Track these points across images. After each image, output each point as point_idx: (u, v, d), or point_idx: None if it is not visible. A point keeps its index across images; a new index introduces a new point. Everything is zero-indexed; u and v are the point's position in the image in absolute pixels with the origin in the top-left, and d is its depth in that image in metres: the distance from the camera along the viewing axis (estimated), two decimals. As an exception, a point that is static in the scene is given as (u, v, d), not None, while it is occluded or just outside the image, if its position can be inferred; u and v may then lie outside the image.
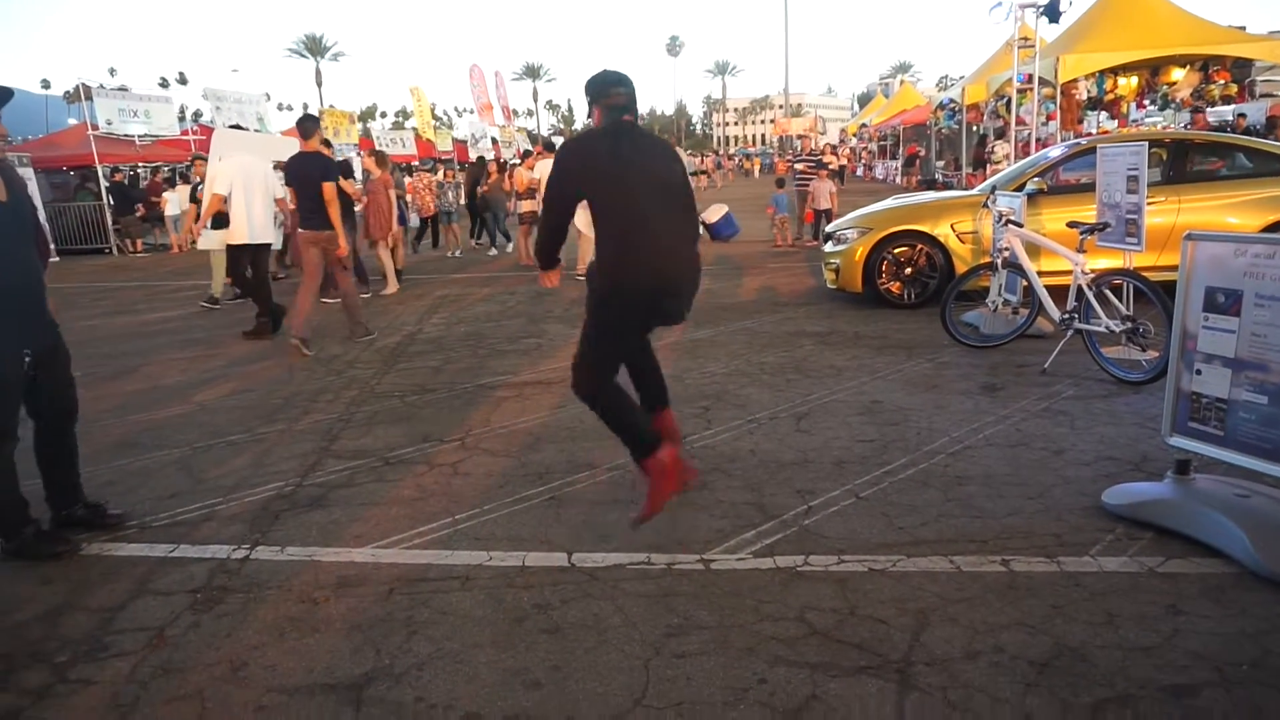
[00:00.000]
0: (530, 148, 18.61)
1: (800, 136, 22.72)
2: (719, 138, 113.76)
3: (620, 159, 3.32)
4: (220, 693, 2.52)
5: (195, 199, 10.05)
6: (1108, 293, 5.47)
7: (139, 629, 2.90)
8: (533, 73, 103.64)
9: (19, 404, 3.47)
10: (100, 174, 18.44)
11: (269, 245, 8.65)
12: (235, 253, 8.33)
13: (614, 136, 3.39)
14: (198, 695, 2.51)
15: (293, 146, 10.18)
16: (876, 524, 3.45)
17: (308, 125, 7.65)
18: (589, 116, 3.57)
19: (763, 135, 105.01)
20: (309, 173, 7.26)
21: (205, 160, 10.24)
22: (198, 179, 11.04)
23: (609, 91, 3.47)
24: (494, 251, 14.94)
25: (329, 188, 7.25)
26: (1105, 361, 5.40)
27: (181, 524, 3.80)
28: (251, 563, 3.37)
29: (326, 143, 10.95)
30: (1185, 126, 13.99)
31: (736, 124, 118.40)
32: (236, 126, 11.35)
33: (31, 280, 3.52)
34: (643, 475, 3.48)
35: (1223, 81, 15.18)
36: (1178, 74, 15.41)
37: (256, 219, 8.33)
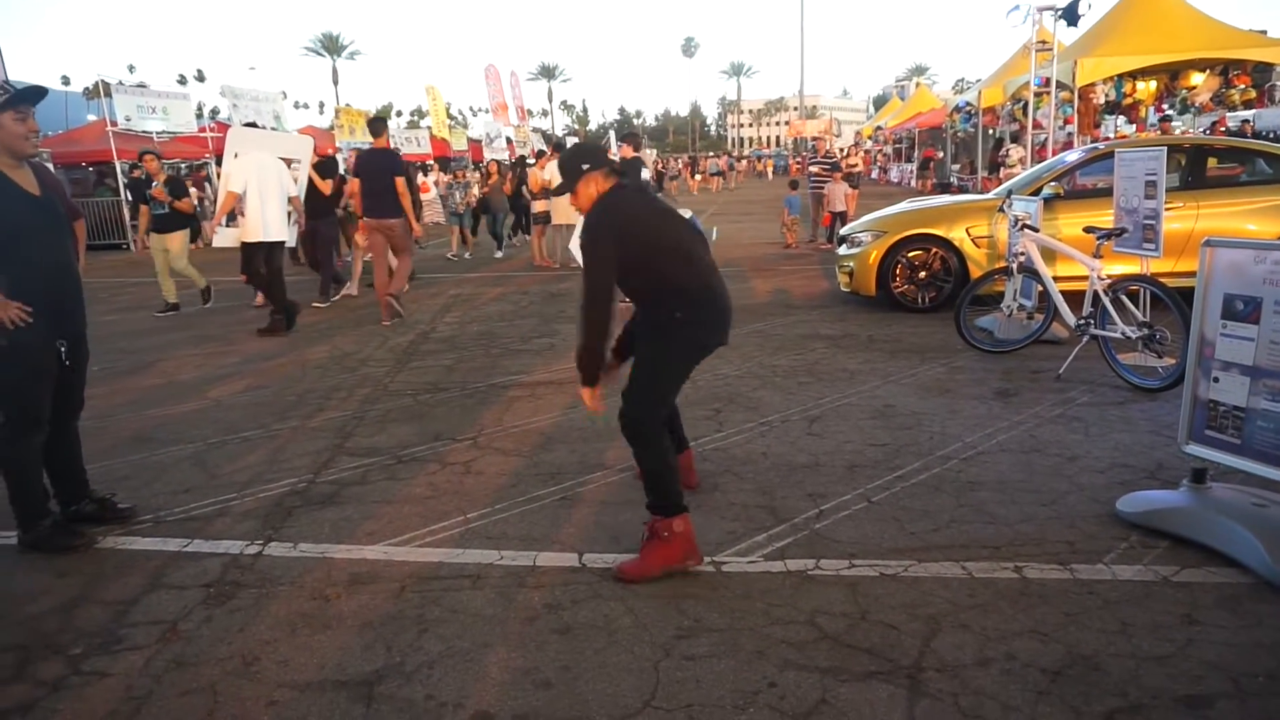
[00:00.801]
0: (545, 148, 18.55)
1: (815, 139, 22.62)
2: (733, 139, 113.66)
3: (651, 205, 3.31)
4: (232, 687, 2.54)
5: (145, 200, 9.59)
6: (1124, 299, 5.43)
7: (153, 622, 2.93)
8: (548, 73, 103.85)
9: (50, 393, 3.51)
10: (119, 170, 18.61)
11: (283, 242, 8.68)
12: (250, 250, 8.36)
13: (633, 188, 3.34)
14: (210, 689, 2.53)
15: (306, 144, 10.34)
16: (888, 528, 3.43)
17: (377, 125, 8.77)
18: (570, 190, 3.32)
19: (777, 137, 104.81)
20: (380, 167, 8.22)
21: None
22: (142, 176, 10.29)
23: (602, 158, 3.33)
24: (499, 254, 14.78)
25: (400, 181, 8.17)
26: (1121, 368, 5.36)
27: (196, 519, 3.82)
28: (264, 558, 3.40)
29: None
30: (1205, 131, 13.89)
31: (751, 125, 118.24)
32: (251, 124, 11.29)
33: (67, 272, 3.56)
34: (648, 532, 3.16)
35: (1243, 86, 15.03)
36: (1197, 78, 15.27)
37: (271, 216, 8.37)
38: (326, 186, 9.92)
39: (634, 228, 3.17)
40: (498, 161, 15.53)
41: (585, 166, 3.29)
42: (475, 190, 15.28)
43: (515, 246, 15.68)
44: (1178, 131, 14.60)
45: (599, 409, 3.25)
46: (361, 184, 8.37)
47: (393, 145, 9.86)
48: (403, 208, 8.24)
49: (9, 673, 2.66)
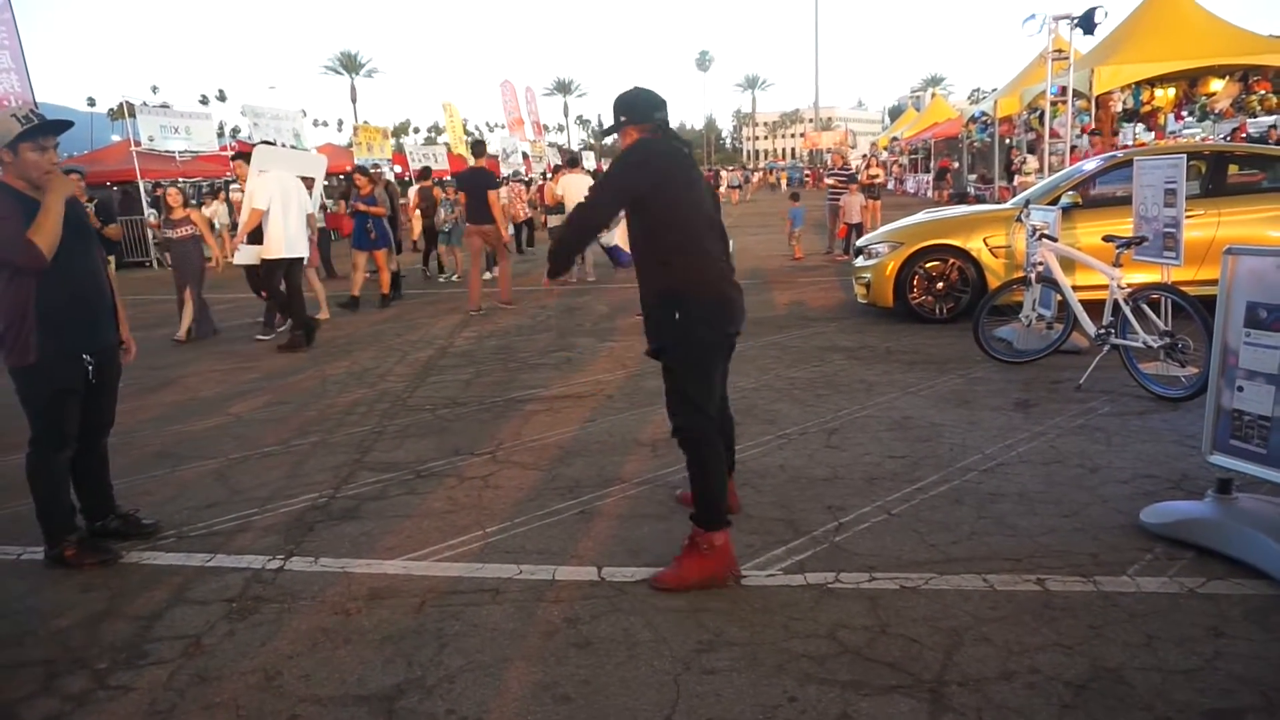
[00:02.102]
0: (560, 163, 18.57)
1: (830, 150, 22.62)
2: (748, 152, 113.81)
3: (692, 178, 3.17)
4: (255, 701, 2.56)
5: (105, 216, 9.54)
6: (1145, 308, 5.39)
7: (176, 637, 2.95)
8: (563, 88, 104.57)
9: (77, 410, 3.55)
10: (142, 189, 18.89)
11: (303, 259, 8.79)
12: (271, 267, 8.46)
13: (681, 152, 3.21)
14: (233, 704, 2.55)
15: (321, 163, 10.56)
16: (908, 541, 3.41)
17: (479, 148, 11.07)
18: (614, 136, 3.31)
19: (792, 149, 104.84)
20: (479, 183, 10.11)
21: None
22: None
23: (651, 116, 3.18)
24: (487, 275, 12.82)
25: (493, 194, 10.03)
26: (1143, 378, 5.31)
27: (218, 534, 3.86)
28: (286, 573, 3.42)
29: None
30: (1225, 138, 13.77)
31: (766, 138, 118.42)
32: (267, 143, 11.23)
33: (95, 289, 3.59)
34: (688, 544, 3.13)
35: (1263, 92, 14.91)
36: (1216, 85, 15.17)
37: (293, 233, 8.48)
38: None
39: (667, 183, 3.06)
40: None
41: (623, 119, 3.18)
42: (445, 213, 13.85)
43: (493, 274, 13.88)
44: (1197, 139, 14.48)
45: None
46: (466, 196, 10.31)
47: (489, 163, 11.07)
48: (495, 216, 10.05)
49: (36, 686, 2.69)
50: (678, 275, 3.09)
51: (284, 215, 8.39)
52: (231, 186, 15.97)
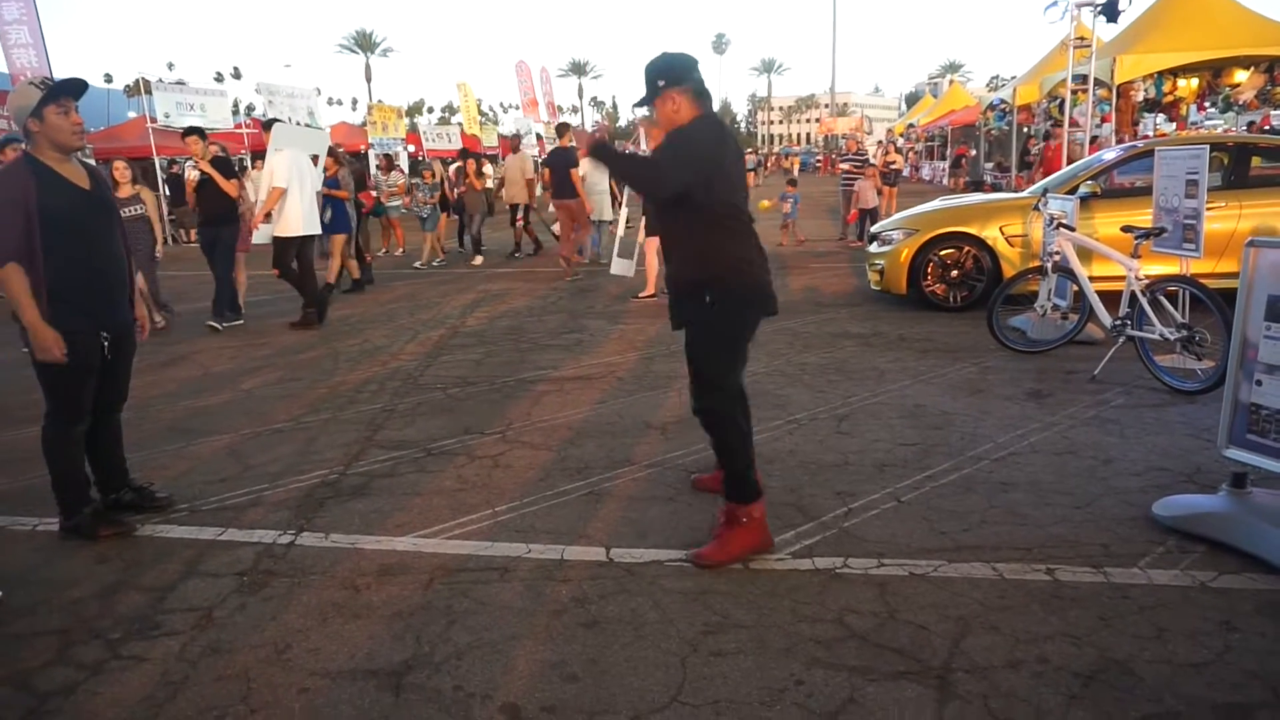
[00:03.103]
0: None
1: (845, 136, 22.44)
2: (763, 136, 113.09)
3: (738, 157, 3.14)
4: (265, 674, 2.58)
5: None
6: (1162, 299, 5.33)
7: (188, 609, 2.98)
8: (578, 69, 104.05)
9: (93, 385, 3.57)
10: (158, 166, 18.93)
11: (314, 236, 8.78)
12: (284, 244, 8.43)
13: (730, 131, 3.15)
14: (243, 675, 2.58)
15: (325, 139, 10.44)
16: (918, 528, 3.40)
17: (562, 128, 11.81)
18: (647, 105, 3.08)
19: (808, 134, 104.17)
20: (562, 160, 11.12)
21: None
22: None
23: (691, 76, 3.05)
24: (479, 260, 13.27)
25: (574, 172, 10.97)
26: (1158, 370, 5.27)
27: (230, 508, 3.89)
28: (296, 548, 3.44)
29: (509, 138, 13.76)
30: (1245, 130, 13.59)
31: (781, 123, 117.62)
32: (274, 120, 10.57)
33: (115, 265, 3.61)
34: (723, 518, 3.20)
35: (1289, 83, 14.67)
36: (1241, 76, 14.93)
37: (307, 210, 8.49)
38: (232, 187, 8.57)
39: (730, 164, 3.01)
40: (475, 158, 13.87)
41: (662, 84, 3.02)
42: (422, 196, 13.51)
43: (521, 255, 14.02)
44: (1220, 130, 14.31)
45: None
46: (551, 173, 11.46)
47: (571, 144, 11.26)
48: (577, 190, 11.11)
49: (51, 655, 2.73)
50: (722, 257, 3.06)
51: (300, 193, 8.40)
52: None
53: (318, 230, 8.82)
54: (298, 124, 18.33)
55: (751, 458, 3.19)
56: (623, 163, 3.20)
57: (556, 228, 11.54)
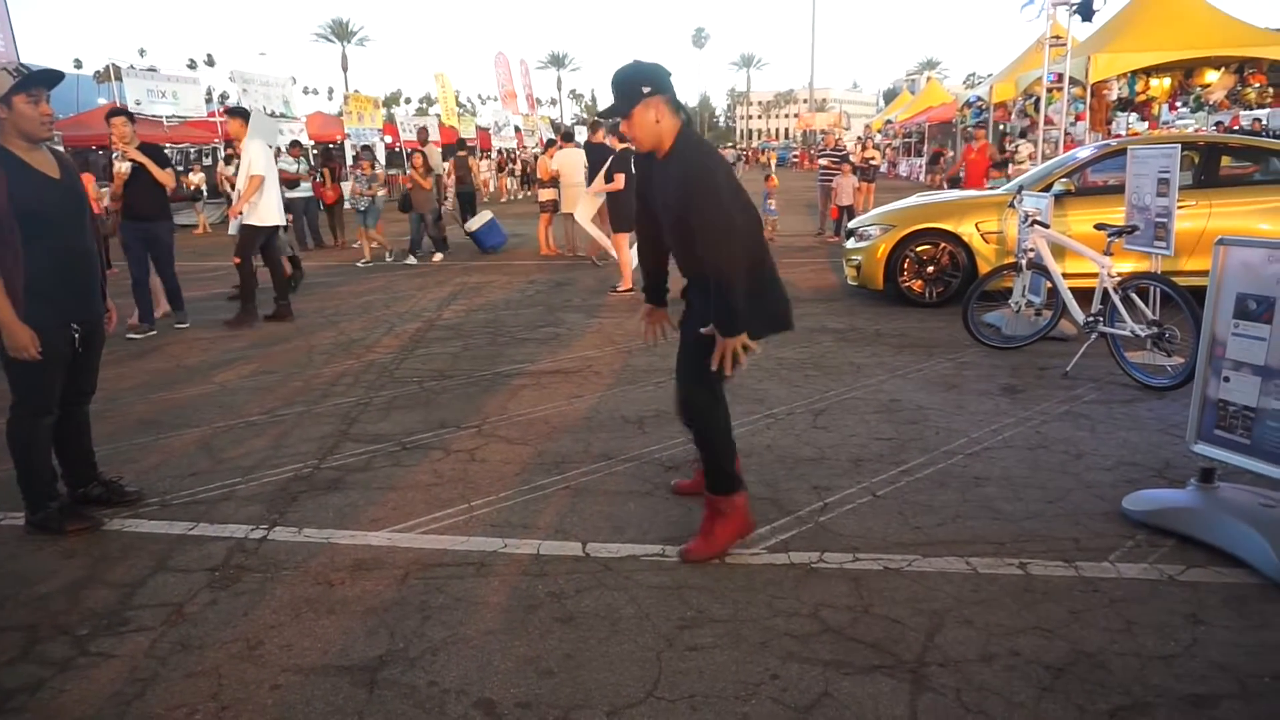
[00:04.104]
0: (553, 136, 18.47)
1: (824, 132, 22.51)
2: (742, 131, 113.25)
3: (727, 165, 3.12)
4: (236, 670, 2.55)
5: None
6: (1134, 296, 5.40)
7: (158, 605, 2.94)
8: (557, 61, 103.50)
9: (61, 378, 3.50)
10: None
11: (279, 227, 8.50)
12: (253, 234, 8.11)
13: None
14: (214, 672, 2.54)
15: (274, 128, 10.08)
16: (892, 523, 3.43)
17: (596, 125, 11.39)
18: (623, 114, 2.97)
19: (786, 129, 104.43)
20: (599, 157, 10.51)
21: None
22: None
23: (671, 86, 2.98)
24: (411, 260, 12.55)
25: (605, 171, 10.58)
26: (1129, 366, 5.34)
27: (201, 502, 3.84)
28: (269, 543, 3.41)
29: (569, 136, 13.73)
30: (1212, 129, 13.80)
31: (760, 118, 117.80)
32: (236, 109, 9.42)
33: (86, 256, 3.54)
34: (709, 513, 3.18)
35: (1259, 85, 14.92)
36: (1212, 76, 15.16)
37: (277, 201, 8.33)
38: (168, 177, 7.63)
39: (729, 173, 2.95)
40: (422, 152, 13.20)
41: (646, 90, 2.91)
42: (362, 188, 12.92)
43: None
44: (1190, 130, 14.51)
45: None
46: (589, 168, 11.33)
47: (605, 140, 11.29)
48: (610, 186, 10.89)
49: (17, 652, 2.68)
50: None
51: (272, 183, 8.27)
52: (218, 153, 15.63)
53: (283, 221, 8.66)
54: (271, 113, 18.12)
55: (733, 450, 3.21)
56: (726, 292, 2.87)
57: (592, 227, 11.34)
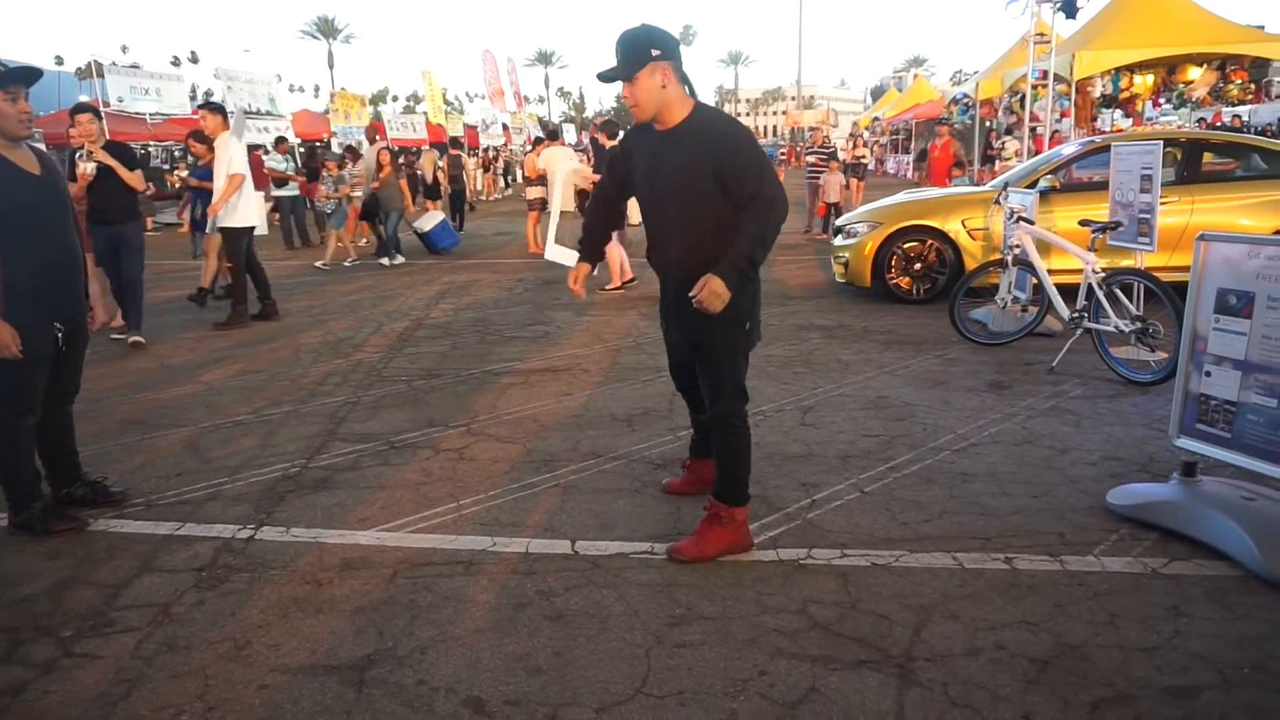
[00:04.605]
0: (542, 134, 18.48)
1: (812, 129, 22.54)
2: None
3: None
4: (223, 670, 2.54)
5: None
6: (1118, 292, 5.45)
7: (144, 605, 2.92)
8: (545, 59, 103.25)
9: (44, 377, 3.48)
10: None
11: (254, 228, 8.33)
12: (238, 235, 7.98)
13: None
14: (201, 673, 2.53)
15: (242, 126, 9.82)
16: (880, 519, 3.45)
17: (611, 128, 10.46)
18: (626, 77, 2.83)
19: (774, 127, 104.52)
20: (601, 159, 10.25)
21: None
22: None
23: (679, 54, 2.87)
24: (385, 261, 12.17)
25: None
26: (1113, 361, 5.38)
27: (187, 502, 3.82)
28: (256, 543, 3.39)
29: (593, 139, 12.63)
30: (1194, 125, 13.92)
31: (748, 115, 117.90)
32: (214, 104, 8.96)
33: (69, 253, 3.52)
34: (709, 517, 3.14)
35: (1240, 81, 15.04)
36: (1194, 73, 15.27)
37: (255, 201, 8.26)
38: (137, 179, 7.03)
39: None
40: (389, 150, 12.75)
41: (655, 53, 2.79)
42: (325, 190, 12.45)
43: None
44: (1174, 126, 14.64)
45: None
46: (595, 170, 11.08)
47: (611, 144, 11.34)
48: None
49: (0, 654, 2.66)
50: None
51: (251, 182, 8.17)
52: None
53: (260, 222, 8.57)
54: (255, 111, 17.97)
55: (750, 462, 3.16)
56: (757, 240, 2.84)
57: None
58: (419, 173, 16.50)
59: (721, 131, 2.88)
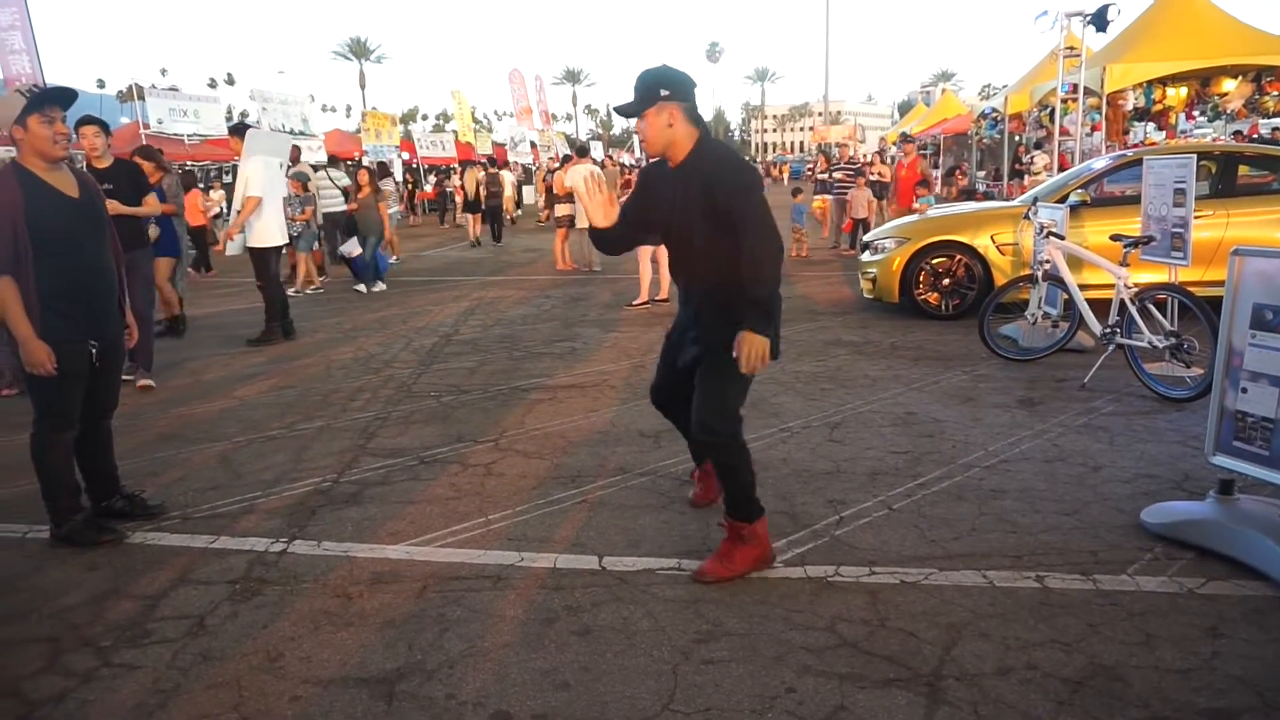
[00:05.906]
0: (569, 152, 18.70)
1: (839, 145, 22.49)
2: (757, 144, 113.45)
3: None
4: (256, 682, 2.58)
5: None
6: (1151, 307, 5.38)
7: (180, 617, 2.98)
8: (572, 77, 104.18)
9: (81, 393, 3.56)
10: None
11: (280, 248, 8.41)
12: (264, 255, 8.07)
13: None
14: (235, 683, 2.57)
15: (287, 144, 9.96)
16: (909, 536, 3.42)
17: (577, 144, 11.51)
18: (637, 114, 2.97)
19: (801, 143, 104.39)
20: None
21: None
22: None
23: (692, 95, 3.00)
24: (361, 288, 11.43)
25: None
26: (1147, 377, 5.30)
27: (222, 516, 3.88)
28: (289, 556, 3.44)
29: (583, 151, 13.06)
30: (1230, 137, 13.70)
31: (775, 131, 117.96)
32: (242, 125, 9.09)
33: (104, 275, 3.60)
34: (729, 536, 3.14)
35: (1276, 93, 14.80)
36: (1229, 85, 15.05)
37: (279, 220, 8.29)
38: (147, 209, 6.31)
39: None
40: (368, 169, 12.37)
41: (664, 94, 2.92)
42: (295, 212, 10.99)
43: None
44: (1208, 139, 14.43)
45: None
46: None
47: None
48: None
49: (41, 663, 2.72)
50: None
51: (274, 201, 8.21)
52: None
53: (286, 239, 8.61)
54: (276, 130, 18.28)
55: (753, 476, 3.16)
56: (763, 292, 2.90)
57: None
58: (449, 190, 17.05)
59: (723, 162, 2.99)
